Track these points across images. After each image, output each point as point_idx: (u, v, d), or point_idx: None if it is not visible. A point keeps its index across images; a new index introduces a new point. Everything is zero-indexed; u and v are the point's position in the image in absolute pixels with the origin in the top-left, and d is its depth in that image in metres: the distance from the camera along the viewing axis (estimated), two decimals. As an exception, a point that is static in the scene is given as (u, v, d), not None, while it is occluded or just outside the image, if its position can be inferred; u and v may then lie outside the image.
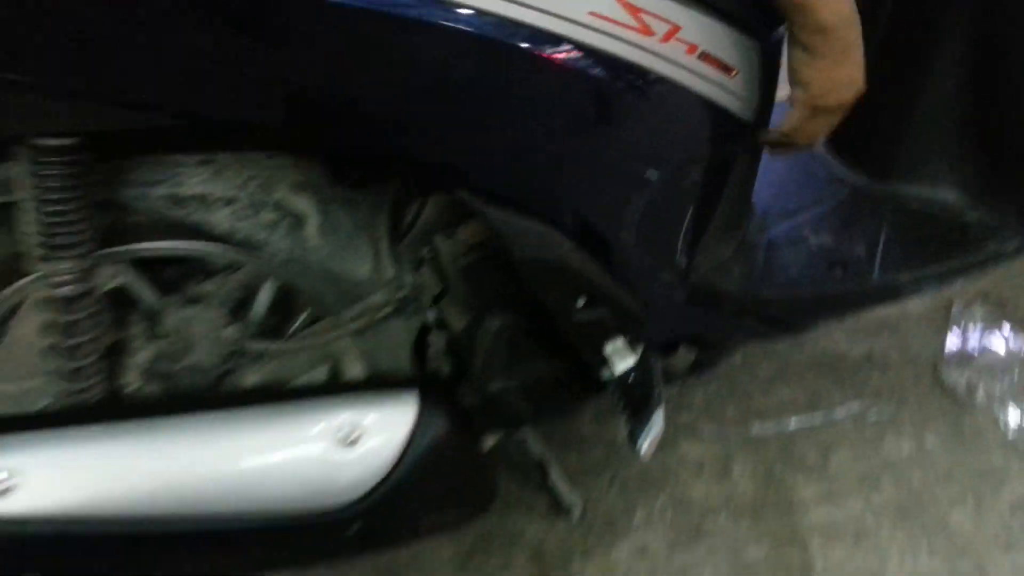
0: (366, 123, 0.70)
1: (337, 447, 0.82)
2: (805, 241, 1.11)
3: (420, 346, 0.98)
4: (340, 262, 0.87)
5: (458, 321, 0.93)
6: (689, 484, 1.23)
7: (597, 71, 0.74)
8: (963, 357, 1.33)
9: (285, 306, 0.95)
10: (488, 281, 0.90)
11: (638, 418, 0.90)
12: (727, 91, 0.84)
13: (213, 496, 0.79)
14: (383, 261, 0.90)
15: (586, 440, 1.29)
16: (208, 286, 0.87)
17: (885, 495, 1.17)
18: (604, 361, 0.90)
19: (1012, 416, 1.24)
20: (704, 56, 0.80)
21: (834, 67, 0.81)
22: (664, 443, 1.28)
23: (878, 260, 1.07)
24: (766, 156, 1.22)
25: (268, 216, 0.83)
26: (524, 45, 0.69)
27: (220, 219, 0.81)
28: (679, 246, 0.92)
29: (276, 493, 0.81)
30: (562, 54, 0.71)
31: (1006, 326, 1.36)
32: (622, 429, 1.28)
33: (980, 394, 1.27)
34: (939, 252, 1.10)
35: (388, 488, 0.83)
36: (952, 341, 1.36)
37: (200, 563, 0.85)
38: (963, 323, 1.37)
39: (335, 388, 0.92)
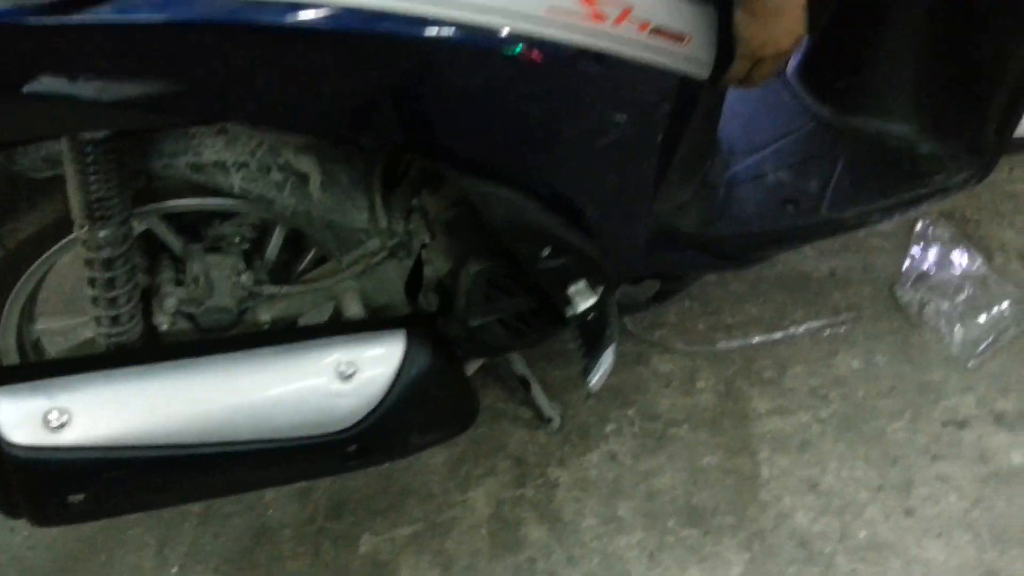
0: (353, 116, 0.82)
1: (335, 381, 0.96)
2: (764, 177, 1.19)
3: (413, 285, 1.11)
4: (340, 213, 1.00)
5: (443, 265, 1.05)
6: (657, 396, 1.37)
7: (557, 60, 0.82)
8: (919, 275, 1.43)
9: (294, 250, 1.09)
10: (467, 232, 1.02)
11: (592, 353, 1.02)
12: (681, 58, 0.91)
13: (233, 425, 0.94)
14: (377, 212, 1.03)
15: (568, 356, 1.43)
16: (226, 229, 1.02)
17: (831, 408, 1.31)
18: (568, 300, 1.02)
19: (957, 333, 1.35)
20: (656, 31, 0.87)
21: (771, 23, 0.87)
22: (638, 357, 1.42)
23: (828, 196, 1.16)
24: (735, 90, 1.29)
25: (276, 176, 0.96)
26: (490, 45, 0.78)
27: (235, 181, 0.95)
28: (638, 197, 1.01)
29: (286, 421, 0.96)
30: (524, 49, 0.79)
31: (964, 246, 1.45)
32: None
33: (930, 312, 1.38)
34: (887, 186, 1.18)
35: (380, 414, 0.97)
36: (911, 260, 1.45)
37: (226, 482, 1.02)
38: (924, 242, 1.46)
39: (334, 328, 1.05)
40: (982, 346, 1.34)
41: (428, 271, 1.08)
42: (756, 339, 1.41)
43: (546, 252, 0.97)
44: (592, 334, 1.03)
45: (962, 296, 1.39)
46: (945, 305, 1.38)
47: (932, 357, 1.35)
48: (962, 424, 1.27)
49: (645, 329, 1.44)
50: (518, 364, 1.32)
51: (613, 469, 1.30)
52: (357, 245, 1.04)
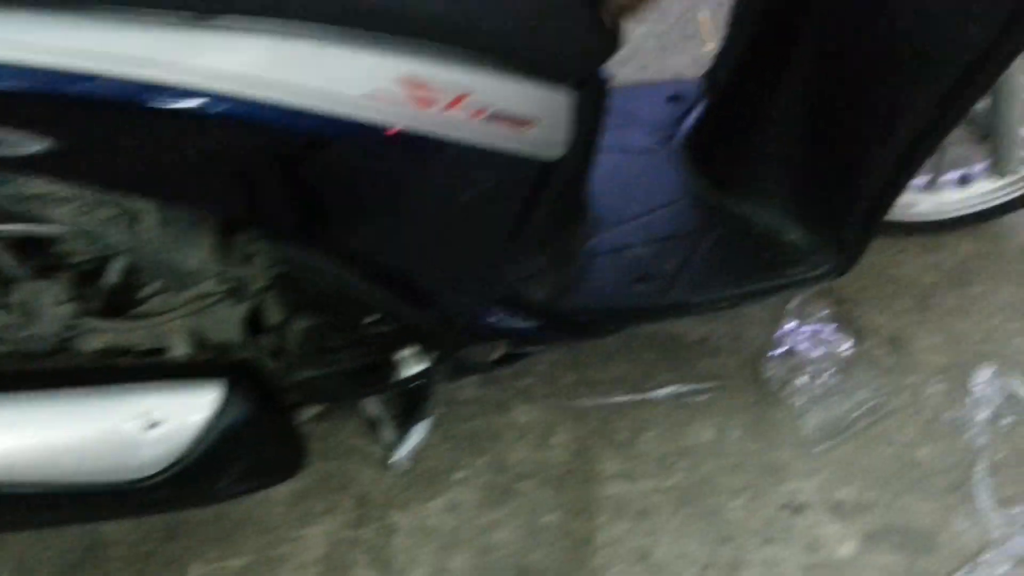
0: (186, 185, 0.82)
1: (140, 429, 0.94)
2: (624, 251, 1.18)
3: (253, 328, 1.09)
4: (174, 252, 0.98)
5: (276, 315, 1.03)
6: (511, 447, 1.36)
7: (379, 143, 0.80)
8: (787, 351, 1.43)
9: (135, 280, 1.06)
10: (298, 289, 0.99)
11: (404, 425, 1.01)
12: (527, 142, 0.89)
13: (38, 466, 0.93)
14: (214, 254, 0.99)
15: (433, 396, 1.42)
16: (58, 254, 0.98)
17: (676, 478, 1.31)
18: (394, 365, 1.00)
19: (812, 416, 1.36)
20: (495, 117, 0.85)
21: None
22: (500, 404, 1.41)
23: (681, 278, 1.15)
24: (622, 155, 1.28)
25: (107, 212, 0.92)
26: (308, 127, 0.76)
27: (62, 214, 0.90)
28: (479, 272, 1.00)
29: (88, 466, 0.94)
30: (344, 132, 0.77)
31: (836, 326, 1.45)
32: (464, 386, 1.42)
33: (790, 390, 1.39)
34: (744, 274, 1.17)
35: (185, 465, 0.96)
36: (782, 334, 1.45)
37: (31, 518, 1.00)
38: (797, 318, 1.46)
39: (153, 371, 1.03)
40: (834, 432, 1.34)
41: (265, 318, 1.06)
42: (618, 399, 1.40)
43: (370, 319, 0.95)
44: (412, 403, 1.01)
45: (824, 378, 1.39)
46: (806, 385, 1.39)
47: (784, 437, 1.35)
48: (799, 509, 1.28)
49: (512, 376, 1.43)
50: (369, 402, 1.30)
51: (454, 519, 1.29)
52: (191, 285, 1.01)
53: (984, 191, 1.47)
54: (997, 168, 1.27)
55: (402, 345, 0.99)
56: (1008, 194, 1.46)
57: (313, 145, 0.78)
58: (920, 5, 0.95)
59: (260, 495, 1.29)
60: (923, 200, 1.50)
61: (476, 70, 0.80)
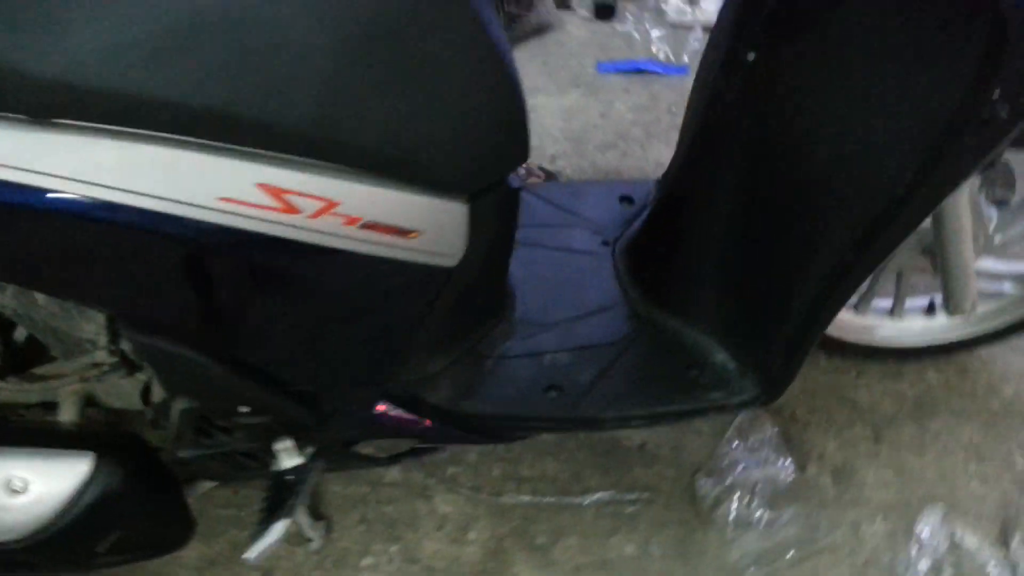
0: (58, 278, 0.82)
1: (3, 494, 0.94)
2: (542, 356, 1.15)
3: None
4: (65, 321, 0.98)
5: (157, 392, 1.03)
6: (426, 537, 1.32)
7: (240, 249, 0.80)
8: (725, 468, 1.37)
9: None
10: (173, 372, 0.99)
11: (267, 519, 0.99)
12: (412, 250, 0.88)
13: None
14: (105, 327, 1.00)
15: (355, 475, 1.39)
16: None
17: (586, 593, 1.26)
18: (272, 455, 0.99)
19: (741, 543, 1.30)
20: (371, 225, 0.84)
21: None
22: (423, 491, 1.39)
23: (596, 391, 1.12)
24: (561, 255, 1.26)
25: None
26: (168, 230, 0.75)
27: None
28: (364, 373, 0.98)
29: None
30: (198, 236, 0.77)
31: (780, 448, 1.39)
32: (392, 468, 1.40)
33: (722, 511, 1.33)
34: (663, 393, 1.13)
35: (53, 532, 0.95)
36: (723, 450, 1.40)
37: None
38: (741, 434, 1.41)
39: (25, 437, 1.03)
40: (762, 562, 1.28)
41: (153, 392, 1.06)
42: (544, 499, 1.36)
43: (244, 410, 0.94)
44: (278, 500, 0.99)
45: (758, 503, 1.33)
46: (739, 509, 1.32)
47: (708, 561, 1.29)
48: (709, 642, 1.22)
49: (440, 463, 1.40)
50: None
51: (352, 607, 1.26)
52: (83, 354, 1.02)
53: (946, 324, 1.41)
54: (949, 306, 1.22)
55: (277, 437, 0.97)
56: (967, 333, 1.40)
57: (186, 245, 0.78)
58: (837, 148, 0.92)
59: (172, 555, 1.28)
60: (886, 325, 1.45)
61: (344, 181, 0.79)
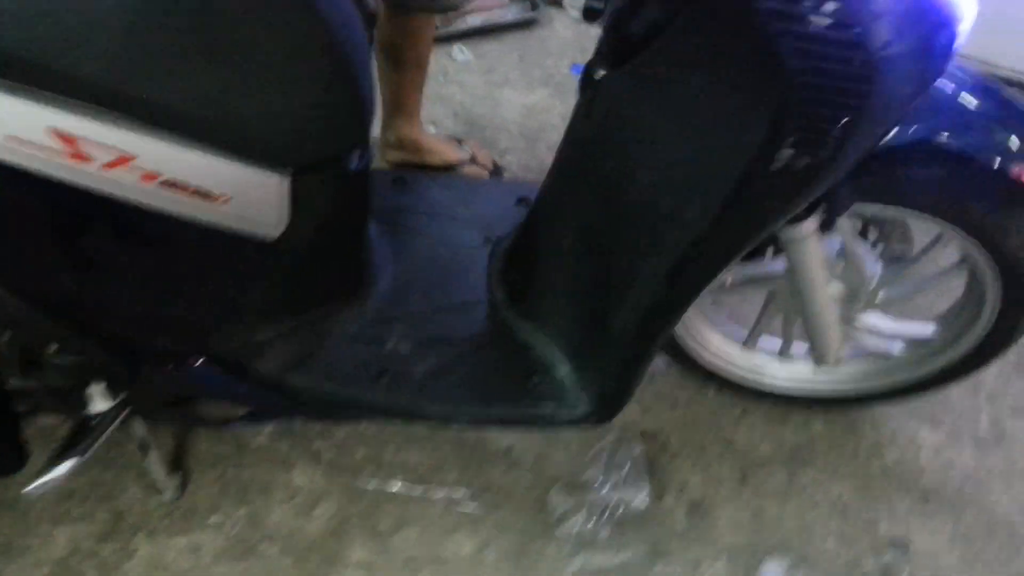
0: None
1: None
2: (385, 342, 1.16)
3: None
4: None
5: None
6: (274, 506, 1.35)
7: (32, 190, 0.83)
8: (581, 485, 1.37)
9: None
10: None
11: (54, 458, 1.02)
12: (219, 214, 0.90)
13: None
14: None
15: (223, 435, 1.42)
16: None
17: (419, 585, 1.27)
18: (83, 398, 1.02)
19: (577, 561, 1.29)
20: (171, 183, 0.86)
21: None
22: (286, 459, 1.41)
23: (432, 383, 1.12)
24: (442, 248, 1.26)
25: None
26: None
27: None
28: (180, 328, 1.01)
29: None
30: None
31: (642, 473, 1.38)
32: (260, 432, 1.42)
33: (566, 528, 1.32)
34: (496, 395, 1.13)
35: None
36: (584, 465, 1.39)
37: None
38: (607, 453, 1.40)
39: None
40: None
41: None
42: (396, 487, 1.37)
43: (52, 348, 0.97)
44: (79, 438, 1.02)
45: (606, 523, 1.32)
46: (585, 525, 1.32)
47: (540, 572, 1.29)
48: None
49: (309, 435, 1.42)
50: (137, 427, 1.32)
51: (190, 561, 1.29)
52: None
53: (832, 376, 1.37)
54: (814, 356, 1.19)
55: (88, 379, 1.00)
56: (854, 388, 1.36)
57: None
58: (655, 179, 0.91)
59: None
60: (774, 368, 1.42)
61: (143, 136, 0.81)
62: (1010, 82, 2.26)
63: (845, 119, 0.74)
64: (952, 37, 0.77)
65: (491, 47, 2.25)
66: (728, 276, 1.24)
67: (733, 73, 0.79)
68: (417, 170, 1.82)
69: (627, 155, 0.94)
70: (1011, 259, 1.07)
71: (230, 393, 1.10)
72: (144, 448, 1.35)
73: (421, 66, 1.73)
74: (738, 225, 0.86)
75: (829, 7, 0.70)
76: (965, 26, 0.78)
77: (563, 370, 1.15)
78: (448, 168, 1.79)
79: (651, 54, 0.87)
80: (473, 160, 1.82)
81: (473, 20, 2.19)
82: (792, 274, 1.10)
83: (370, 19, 1.49)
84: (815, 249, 1.05)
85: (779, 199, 0.83)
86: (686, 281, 0.93)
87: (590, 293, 1.09)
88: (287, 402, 1.11)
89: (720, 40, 0.80)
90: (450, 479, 1.39)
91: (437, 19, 2.23)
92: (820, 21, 0.70)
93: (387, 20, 1.64)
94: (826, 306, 1.12)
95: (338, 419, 1.20)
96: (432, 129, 1.99)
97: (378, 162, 1.87)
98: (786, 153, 0.78)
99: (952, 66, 0.91)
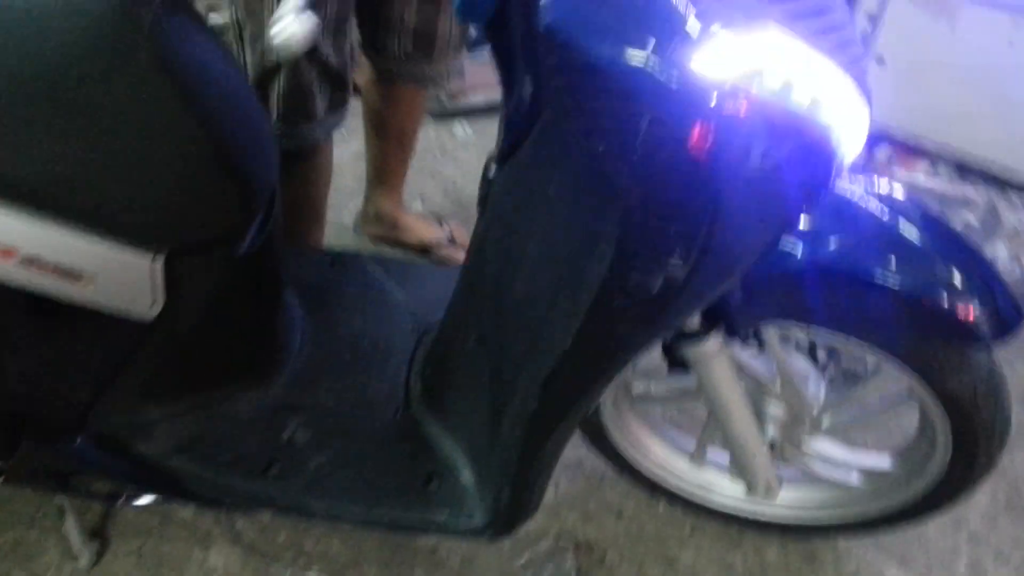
0: None
1: None
2: (283, 430, 1.11)
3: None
4: None
5: None
6: (192, 586, 1.31)
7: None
8: (506, 597, 1.28)
9: None
10: None
11: None
12: (83, 296, 0.89)
13: None
14: None
15: (150, 507, 1.40)
16: None
17: None
18: None
19: None
20: (30, 260, 0.85)
21: None
22: (205, 539, 1.37)
23: (322, 479, 1.06)
24: (363, 335, 1.22)
25: None
26: None
27: None
28: (59, 405, 0.99)
29: None
30: None
31: (573, 588, 1.28)
32: (187, 507, 1.39)
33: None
34: (385, 499, 1.07)
35: None
36: (512, 571, 1.30)
37: None
38: (537, 562, 1.30)
39: None
40: None
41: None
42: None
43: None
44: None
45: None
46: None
47: None
48: None
49: (236, 515, 1.38)
50: (58, 496, 1.31)
51: (89, 637, 1.26)
52: None
53: (786, 502, 1.25)
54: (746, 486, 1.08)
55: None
56: (810, 517, 1.23)
57: None
58: (526, 289, 0.86)
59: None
60: (725, 487, 1.30)
61: (12, 217, 0.81)
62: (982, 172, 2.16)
63: (690, 247, 0.67)
64: (826, 171, 0.68)
65: (493, 125, 2.23)
66: (654, 386, 1.15)
67: (584, 179, 0.73)
68: (392, 247, 1.80)
69: (508, 256, 0.89)
70: (955, 398, 0.96)
71: (113, 472, 1.07)
72: (61, 513, 1.34)
73: (405, 140, 1.72)
74: (600, 344, 0.78)
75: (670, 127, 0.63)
76: (846, 159, 0.70)
77: (466, 477, 1.08)
78: (423, 248, 1.76)
79: (524, 149, 0.82)
80: (452, 240, 1.79)
81: (476, 98, 2.19)
82: (703, 394, 1.01)
83: (341, 83, 1.46)
84: (722, 369, 0.96)
85: (636, 322, 0.75)
86: (562, 394, 0.85)
87: (487, 397, 1.02)
88: (170, 486, 1.07)
89: (571, 140, 0.74)
90: (370, 575, 1.32)
91: (442, 96, 2.24)
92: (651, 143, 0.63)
93: (372, 87, 1.64)
94: (744, 429, 1.02)
95: (227, 508, 1.15)
96: (419, 204, 1.97)
97: (357, 233, 1.86)
98: (634, 276, 0.71)
99: (896, 194, 0.85)
